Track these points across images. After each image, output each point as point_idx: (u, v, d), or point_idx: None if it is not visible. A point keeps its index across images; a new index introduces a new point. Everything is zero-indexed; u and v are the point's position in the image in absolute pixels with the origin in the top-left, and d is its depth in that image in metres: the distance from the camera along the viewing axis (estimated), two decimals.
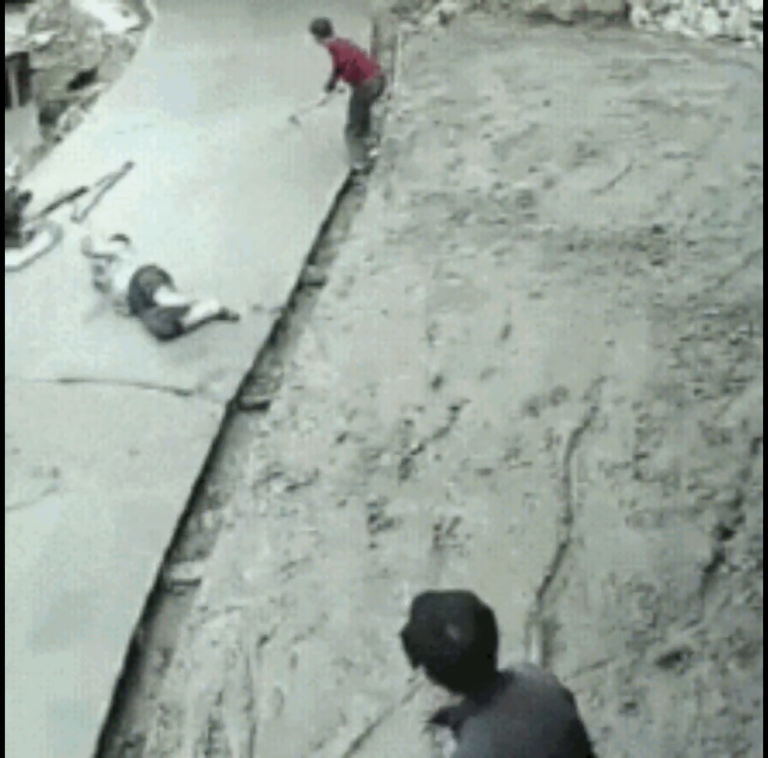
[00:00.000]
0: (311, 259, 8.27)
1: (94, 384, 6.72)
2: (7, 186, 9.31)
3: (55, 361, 6.97)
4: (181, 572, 5.29)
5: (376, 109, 10.36)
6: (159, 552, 5.29)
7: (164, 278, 7.46)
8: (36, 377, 6.82)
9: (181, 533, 5.51)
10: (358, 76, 9.54)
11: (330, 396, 6.36)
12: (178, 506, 5.61)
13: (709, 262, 7.54)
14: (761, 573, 4.81)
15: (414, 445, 5.84)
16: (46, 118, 12.53)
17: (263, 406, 6.48)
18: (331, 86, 9.55)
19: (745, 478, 5.40)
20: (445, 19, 13.63)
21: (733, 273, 7.37)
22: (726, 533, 5.07)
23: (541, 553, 5.02)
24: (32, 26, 14.14)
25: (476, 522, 5.25)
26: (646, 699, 4.29)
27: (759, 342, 6.53)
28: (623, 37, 12.86)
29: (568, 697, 2.76)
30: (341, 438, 5.97)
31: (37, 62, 13.21)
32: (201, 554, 5.40)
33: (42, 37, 13.90)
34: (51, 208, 9.23)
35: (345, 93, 9.70)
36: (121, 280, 7.47)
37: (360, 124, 9.78)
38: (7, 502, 5.66)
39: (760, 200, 8.30)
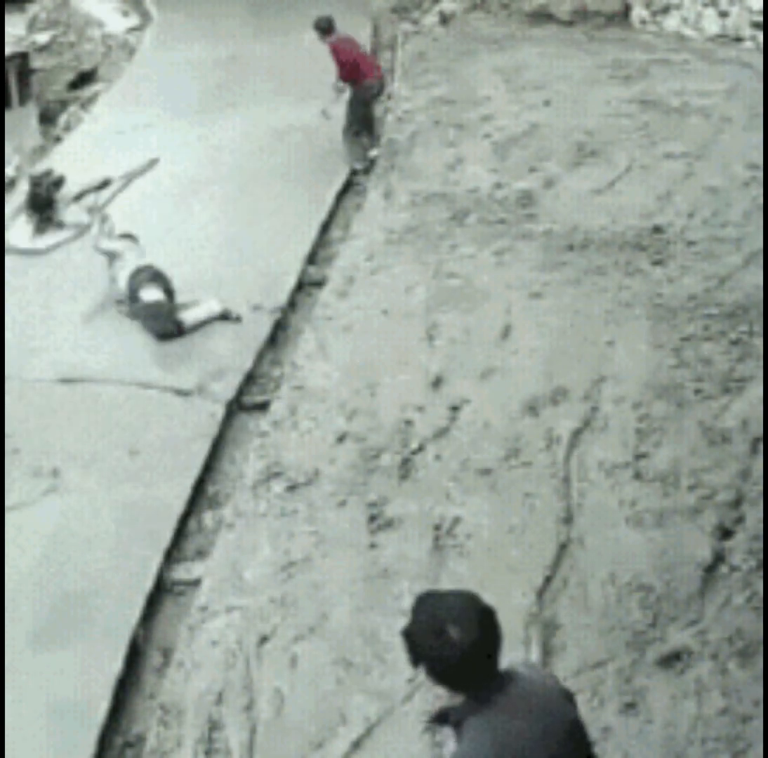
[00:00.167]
0: (311, 259, 8.27)
1: (94, 384, 6.72)
2: (42, 169, 9.46)
3: (55, 361, 6.97)
4: (181, 572, 5.29)
5: (376, 110, 10.36)
6: (159, 552, 5.29)
7: (155, 278, 7.41)
8: (36, 377, 6.82)
9: (181, 533, 5.51)
10: (359, 77, 9.56)
11: (330, 396, 6.36)
12: (178, 506, 5.61)
13: (709, 262, 7.54)
14: (761, 573, 4.81)
15: (414, 445, 5.84)
16: (46, 118, 12.53)
17: (263, 406, 6.48)
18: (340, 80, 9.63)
19: (745, 478, 5.40)
20: (445, 19, 13.63)
21: (733, 273, 7.37)
22: (726, 533, 5.07)
23: (541, 553, 5.02)
24: (32, 26, 14.15)
25: (476, 522, 5.25)
26: (646, 699, 4.29)
27: (759, 342, 6.53)
28: (623, 37, 12.87)
29: (568, 697, 2.76)
30: (341, 438, 5.97)
31: (37, 62, 13.21)
32: (201, 554, 5.40)
33: (42, 37, 13.90)
34: (78, 197, 9.29)
35: (345, 93, 9.72)
36: (122, 279, 7.48)
37: (359, 124, 9.78)
38: (7, 502, 5.66)
39: (760, 200, 8.30)
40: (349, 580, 4.98)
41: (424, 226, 8.35)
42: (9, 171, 10.49)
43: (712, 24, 12.45)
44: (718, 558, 4.93)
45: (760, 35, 11.85)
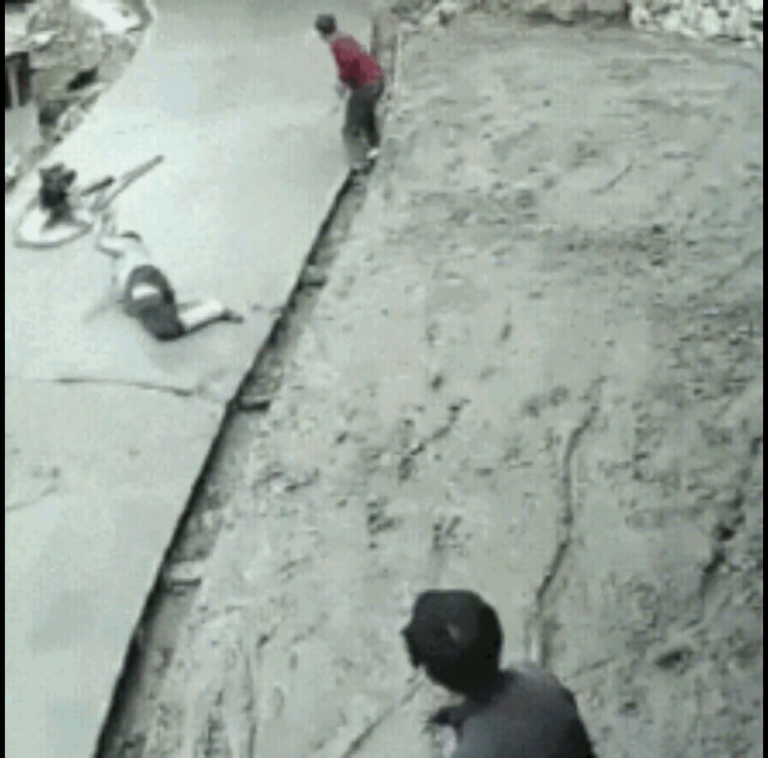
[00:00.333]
0: (311, 259, 8.27)
1: (94, 384, 6.72)
2: (53, 163, 9.49)
3: (55, 361, 6.97)
4: (181, 572, 5.29)
5: (376, 109, 10.37)
6: (159, 552, 5.29)
7: (151, 277, 7.40)
8: (36, 377, 6.82)
9: (181, 533, 5.51)
10: (359, 77, 9.56)
11: (330, 396, 6.36)
12: (178, 506, 5.61)
13: (709, 262, 7.54)
14: (761, 573, 4.81)
15: (414, 445, 5.84)
16: (46, 118, 12.54)
17: (263, 406, 6.48)
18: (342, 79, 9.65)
19: (745, 478, 5.40)
20: (445, 19, 13.63)
21: (733, 273, 7.37)
22: (726, 533, 5.07)
23: (541, 553, 5.02)
24: (32, 26, 14.16)
25: (476, 522, 5.25)
26: (646, 699, 4.28)
27: (759, 342, 6.53)
28: (623, 37, 12.87)
29: (568, 697, 2.76)
30: (341, 438, 5.97)
31: (37, 62, 13.23)
32: (201, 554, 5.40)
33: (42, 37, 13.91)
34: (89, 191, 9.32)
35: (346, 93, 9.72)
36: (122, 278, 7.48)
37: (359, 124, 9.79)
38: (7, 502, 5.66)
39: (760, 200, 8.30)
40: (349, 580, 4.98)
41: (424, 226, 8.35)
42: (9, 171, 10.49)
43: (712, 24, 12.45)
44: (718, 558, 4.93)
45: (760, 35, 11.85)
